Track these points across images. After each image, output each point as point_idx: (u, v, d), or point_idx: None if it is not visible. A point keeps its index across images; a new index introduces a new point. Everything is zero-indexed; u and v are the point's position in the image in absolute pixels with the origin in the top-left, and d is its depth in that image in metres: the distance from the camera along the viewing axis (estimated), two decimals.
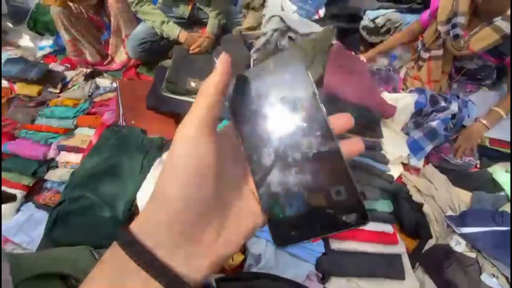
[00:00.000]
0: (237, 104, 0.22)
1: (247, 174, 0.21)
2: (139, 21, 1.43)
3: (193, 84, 1.24)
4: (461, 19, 1.12)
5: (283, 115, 0.21)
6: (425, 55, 1.31)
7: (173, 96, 1.24)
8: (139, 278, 0.17)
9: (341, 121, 0.20)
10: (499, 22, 1.06)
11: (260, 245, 0.89)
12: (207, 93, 0.19)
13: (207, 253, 0.18)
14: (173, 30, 1.31)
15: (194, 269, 0.18)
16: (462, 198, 1.05)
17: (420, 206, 1.05)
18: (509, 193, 1.04)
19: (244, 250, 0.90)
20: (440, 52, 1.26)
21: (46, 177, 1.21)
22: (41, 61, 1.81)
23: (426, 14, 1.30)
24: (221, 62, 0.20)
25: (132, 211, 1.01)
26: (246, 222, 0.20)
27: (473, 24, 1.12)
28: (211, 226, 0.19)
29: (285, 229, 0.20)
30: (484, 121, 1.16)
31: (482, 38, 1.11)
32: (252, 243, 0.89)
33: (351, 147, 0.21)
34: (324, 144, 0.20)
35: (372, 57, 1.42)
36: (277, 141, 0.20)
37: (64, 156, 1.25)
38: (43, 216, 1.07)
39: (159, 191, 0.18)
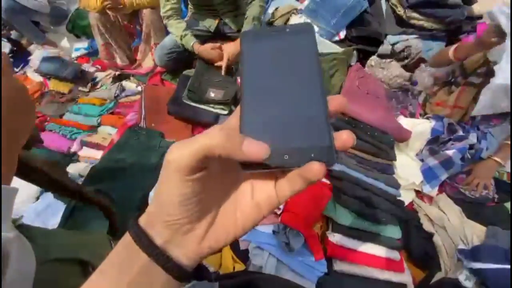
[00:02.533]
0: (246, 58, 0.24)
1: (236, 184, 0.23)
2: (168, 32, 1.52)
3: (212, 95, 1.29)
4: None
5: (283, 77, 0.23)
6: (462, 81, 1.28)
7: (193, 104, 1.29)
8: (142, 261, 0.21)
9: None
10: None
11: (262, 257, 0.89)
12: (200, 147, 0.19)
13: (196, 246, 0.22)
14: (188, 42, 1.38)
15: (185, 256, 0.22)
16: (476, 232, 1.01)
17: (430, 235, 1.02)
18: None
19: (245, 261, 0.91)
20: (478, 80, 1.23)
21: (67, 169, 1.28)
22: (75, 61, 1.95)
23: (471, 38, 1.23)
24: (247, 150, 0.19)
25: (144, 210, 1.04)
26: (227, 229, 0.22)
27: None
28: (200, 227, 0.22)
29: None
30: (496, 158, 1.13)
31: None
32: (254, 255, 0.89)
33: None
34: (311, 104, 0.22)
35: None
36: (272, 94, 0.22)
37: (86, 151, 1.32)
38: (60, 207, 1.12)
39: (160, 196, 0.21)
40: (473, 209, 1.10)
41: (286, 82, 0.23)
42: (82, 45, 2.09)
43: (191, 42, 1.39)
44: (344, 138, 0.20)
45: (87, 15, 1.75)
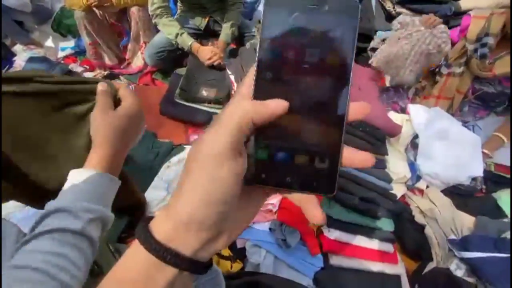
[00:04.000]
0: (267, 31, 0.20)
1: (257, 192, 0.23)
2: (157, 29, 1.50)
3: (205, 93, 1.29)
4: (491, 40, 1.13)
5: (309, 66, 0.20)
6: (445, 70, 1.32)
7: (185, 103, 1.28)
8: (171, 273, 0.20)
9: (358, 106, 0.21)
10: None
11: (260, 255, 0.90)
12: (239, 118, 0.19)
13: (210, 249, 0.21)
14: (185, 42, 1.37)
15: (200, 257, 0.21)
16: (466, 222, 1.05)
17: (422, 227, 1.05)
18: None
19: (243, 258, 0.91)
20: (459, 69, 1.27)
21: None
22: (62, 62, 1.90)
23: (455, 31, 1.31)
24: (272, 106, 0.19)
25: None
26: (240, 230, 0.22)
27: (500, 48, 1.14)
28: (223, 232, 0.21)
29: (261, 170, 0.20)
30: (485, 150, 1.16)
31: (506, 64, 1.12)
32: (252, 252, 0.90)
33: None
34: (333, 111, 0.20)
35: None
36: (291, 86, 0.20)
37: None
38: None
39: (181, 200, 0.19)
40: (462, 200, 1.13)
41: (306, 80, 0.20)
42: (68, 45, 2.03)
43: (189, 41, 1.38)
44: (363, 158, 0.21)
45: (73, 13, 1.71)
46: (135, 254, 0.20)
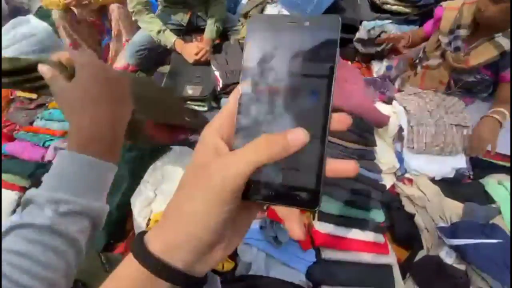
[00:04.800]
0: (251, 50, 0.21)
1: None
2: (139, 27, 1.46)
3: (190, 91, 1.26)
4: (464, 32, 1.12)
5: (291, 81, 0.20)
6: (423, 62, 1.32)
7: None
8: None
9: (340, 118, 0.21)
10: (499, 38, 1.05)
11: (251, 253, 0.89)
12: (234, 190, 0.19)
13: (209, 262, 0.21)
14: (169, 39, 1.34)
15: (203, 271, 0.21)
16: (454, 209, 1.06)
17: (412, 216, 1.06)
18: (500, 205, 1.05)
19: (234, 257, 0.91)
20: (436, 62, 1.26)
21: (43, 179, 1.22)
22: None
23: (429, 23, 1.30)
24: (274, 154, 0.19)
25: (125, 215, 1.02)
26: (236, 242, 0.23)
27: (474, 38, 1.12)
28: (219, 247, 0.21)
29: (247, 186, 0.20)
30: (497, 116, 1.11)
31: (481, 53, 1.11)
32: (243, 251, 0.90)
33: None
34: (315, 128, 0.20)
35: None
36: (273, 100, 0.20)
37: None
38: None
39: (178, 217, 0.20)
40: (450, 187, 1.14)
41: (289, 96, 0.20)
42: None
43: (172, 38, 1.34)
44: (347, 167, 0.21)
45: (51, 13, 1.65)
46: (128, 267, 0.20)
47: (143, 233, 0.21)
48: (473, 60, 1.13)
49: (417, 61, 1.37)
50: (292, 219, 0.21)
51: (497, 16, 1.00)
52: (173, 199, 0.21)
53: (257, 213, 0.25)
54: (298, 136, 0.19)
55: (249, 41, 0.21)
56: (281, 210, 0.22)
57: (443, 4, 1.21)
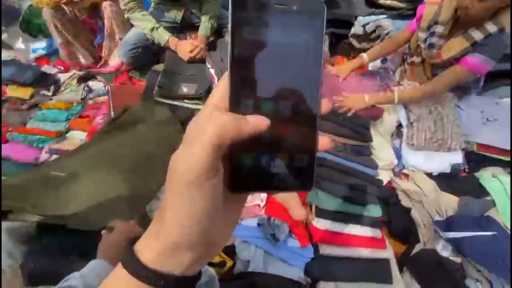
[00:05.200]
0: (238, 28, 0.19)
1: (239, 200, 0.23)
2: (132, 24, 1.44)
3: (185, 89, 1.25)
4: (440, 28, 1.11)
5: (281, 64, 0.20)
6: (409, 59, 1.32)
7: (164, 101, 1.24)
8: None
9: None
10: (472, 31, 1.05)
11: (249, 251, 0.89)
12: (217, 137, 0.17)
13: (202, 260, 0.21)
14: (163, 36, 1.32)
15: (191, 271, 0.20)
16: (450, 203, 1.07)
17: (408, 211, 1.07)
18: (495, 198, 1.06)
19: (233, 255, 0.91)
20: (418, 59, 1.26)
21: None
22: (34, 64, 1.81)
23: (413, 22, 1.29)
24: (254, 123, 0.18)
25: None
26: (227, 236, 0.22)
27: (452, 34, 1.11)
28: (210, 244, 0.21)
29: (243, 177, 0.20)
30: (366, 97, 1.18)
31: (453, 46, 1.10)
32: (241, 249, 0.90)
33: (322, 145, 0.22)
34: (307, 112, 0.20)
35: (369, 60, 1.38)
36: (266, 86, 0.20)
37: None
38: None
39: (166, 224, 0.19)
40: (446, 181, 1.15)
41: (280, 83, 0.20)
42: (40, 45, 1.93)
43: (165, 36, 1.33)
44: (321, 142, 0.21)
45: (42, 11, 1.62)
46: (118, 277, 0.20)
47: (134, 240, 0.21)
48: (446, 53, 1.13)
49: (404, 57, 1.38)
50: (292, 201, 0.22)
51: (481, 14, 0.99)
52: (163, 201, 0.19)
53: (245, 202, 0.24)
54: (258, 122, 0.18)
55: (233, 22, 0.19)
56: (280, 195, 0.23)
57: (425, 0, 1.19)
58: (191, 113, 1.25)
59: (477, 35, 1.03)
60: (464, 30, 1.07)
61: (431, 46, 1.16)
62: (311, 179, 0.21)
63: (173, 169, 0.18)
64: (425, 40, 1.17)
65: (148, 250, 0.19)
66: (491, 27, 1.01)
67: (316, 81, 0.20)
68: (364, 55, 1.34)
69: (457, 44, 1.09)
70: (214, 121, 0.17)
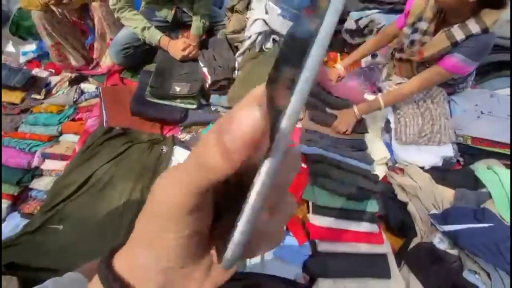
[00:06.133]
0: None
1: None
2: (123, 25, 1.42)
3: (177, 89, 1.23)
4: (423, 25, 1.08)
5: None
6: (397, 55, 1.30)
7: (157, 101, 1.23)
8: None
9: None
10: (454, 29, 1.02)
11: None
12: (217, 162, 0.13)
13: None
14: (154, 36, 1.31)
15: None
16: (446, 195, 1.07)
17: (405, 205, 1.07)
18: (491, 190, 1.06)
19: None
20: (405, 55, 1.23)
21: (31, 185, 1.19)
22: (24, 67, 1.78)
23: (401, 17, 1.25)
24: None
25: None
26: (220, 275, 0.19)
27: (437, 32, 1.08)
28: (199, 269, 0.18)
29: None
30: (355, 110, 1.19)
31: (434, 44, 1.08)
32: None
33: None
34: None
35: (349, 66, 1.38)
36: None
37: (49, 164, 1.23)
38: None
39: (149, 238, 0.17)
40: (441, 174, 1.15)
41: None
42: (29, 48, 1.90)
43: (157, 36, 1.31)
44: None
45: (31, 14, 1.59)
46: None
47: (113, 252, 0.19)
48: (426, 51, 1.11)
49: (392, 53, 1.36)
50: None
51: (458, 6, 0.95)
52: (140, 215, 0.17)
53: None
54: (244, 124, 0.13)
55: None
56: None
57: None
58: (185, 113, 1.23)
59: (459, 34, 1.00)
60: (448, 28, 1.04)
61: (412, 43, 1.14)
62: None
63: (156, 193, 0.16)
64: (408, 36, 1.15)
65: (123, 261, 0.18)
66: (474, 27, 0.97)
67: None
68: (338, 66, 1.35)
69: (438, 42, 1.07)
70: (205, 159, 0.13)
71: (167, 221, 0.15)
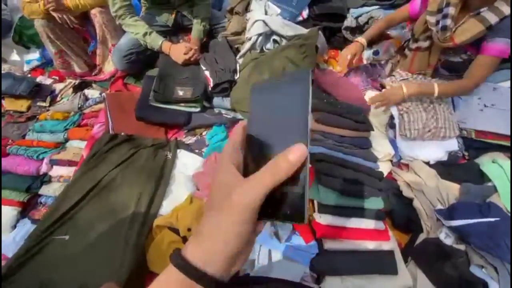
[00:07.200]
0: (253, 109, 0.30)
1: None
2: (124, 30, 1.43)
3: (180, 93, 1.25)
4: (452, 10, 1.08)
5: (277, 128, 0.27)
6: (413, 45, 1.28)
7: (161, 105, 1.24)
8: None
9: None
10: (485, 12, 1.01)
11: (254, 250, 0.90)
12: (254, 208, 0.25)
13: (234, 268, 0.27)
14: (156, 41, 1.32)
15: (226, 276, 0.26)
16: (451, 190, 1.07)
17: (410, 201, 1.07)
18: (496, 184, 1.06)
19: None
20: (426, 44, 1.23)
21: (40, 192, 1.22)
22: (29, 75, 1.81)
23: (416, 3, 1.25)
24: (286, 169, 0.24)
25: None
26: (250, 250, 0.29)
27: (461, 16, 1.08)
28: (241, 256, 0.27)
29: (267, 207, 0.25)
30: (404, 89, 1.17)
31: (467, 30, 1.07)
32: None
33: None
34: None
35: (366, 41, 1.35)
36: (266, 141, 0.27)
37: (57, 171, 1.25)
38: None
39: (224, 234, 0.25)
40: (446, 169, 1.15)
41: (279, 129, 0.27)
42: (33, 56, 1.93)
43: (159, 40, 1.32)
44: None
45: (33, 22, 1.61)
46: (168, 276, 0.25)
47: (179, 249, 0.26)
48: (459, 37, 1.09)
49: (405, 44, 1.36)
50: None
51: None
52: (205, 220, 0.26)
53: (262, 227, 0.29)
54: (297, 153, 0.23)
55: (252, 104, 0.30)
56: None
57: None
58: (188, 116, 1.25)
59: (492, 17, 1.00)
60: (474, 12, 1.04)
61: (444, 28, 1.11)
62: (302, 214, 0.24)
63: (229, 204, 0.24)
64: (437, 22, 1.13)
65: (194, 252, 0.25)
66: (505, 8, 0.97)
67: (305, 130, 0.25)
68: (361, 39, 1.32)
69: (471, 27, 1.05)
70: (273, 170, 0.24)
71: (243, 216, 0.24)
